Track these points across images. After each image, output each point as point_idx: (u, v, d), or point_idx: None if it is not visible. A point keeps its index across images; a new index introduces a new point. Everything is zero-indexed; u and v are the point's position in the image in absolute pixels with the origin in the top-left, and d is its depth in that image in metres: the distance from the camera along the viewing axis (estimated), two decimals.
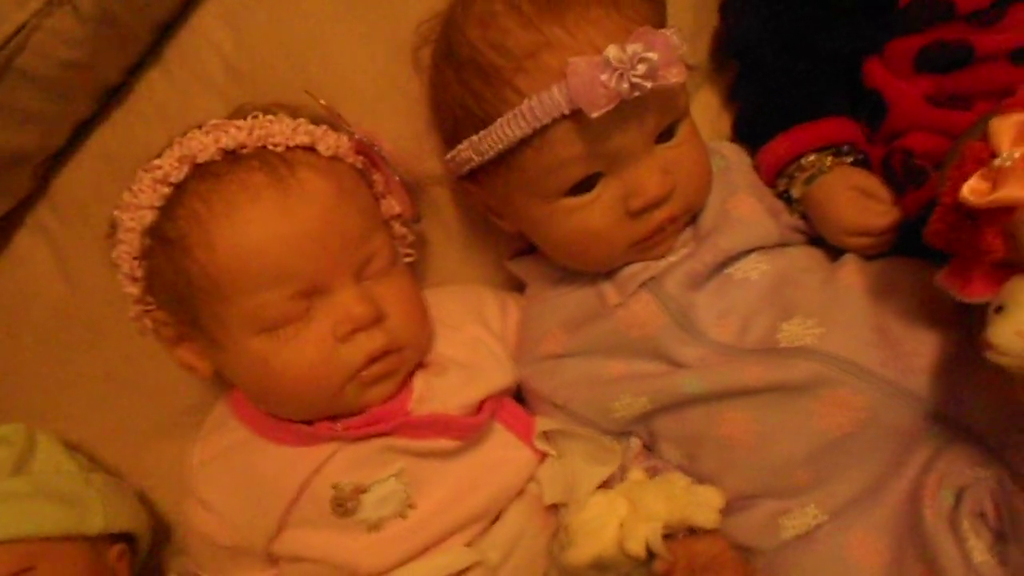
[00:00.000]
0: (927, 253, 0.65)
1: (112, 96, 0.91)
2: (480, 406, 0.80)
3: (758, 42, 0.86)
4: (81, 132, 0.91)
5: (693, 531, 0.75)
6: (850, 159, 0.80)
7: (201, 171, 0.73)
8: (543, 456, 0.82)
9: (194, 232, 0.71)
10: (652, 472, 0.79)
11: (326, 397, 0.75)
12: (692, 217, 0.81)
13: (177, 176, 0.73)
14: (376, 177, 0.83)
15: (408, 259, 0.87)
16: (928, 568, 0.69)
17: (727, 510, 0.75)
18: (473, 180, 0.82)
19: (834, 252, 0.82)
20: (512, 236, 0.88)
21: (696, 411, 0.76)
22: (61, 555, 0.82)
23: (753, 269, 0.79)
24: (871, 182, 0.78)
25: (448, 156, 0.81)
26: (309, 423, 0.77)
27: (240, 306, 0.72)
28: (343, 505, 0.75)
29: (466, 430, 0.78)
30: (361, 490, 0.75)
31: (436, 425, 0.77)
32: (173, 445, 0.93)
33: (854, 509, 0.73)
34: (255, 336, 0.73)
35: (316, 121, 0.78)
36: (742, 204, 0.80)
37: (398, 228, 0.85)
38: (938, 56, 0.76)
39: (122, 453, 0.97)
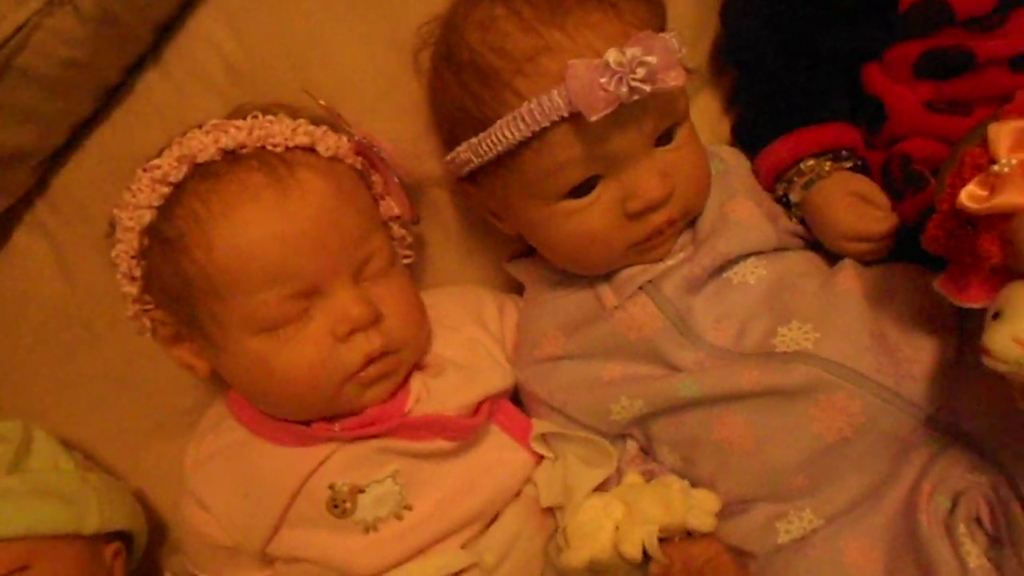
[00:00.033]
0: (925, 259, 0.66)
1: (111, 96, 0.91)
2: (477, 407, 0.80)
3: (758, 43, 0.86)
4: (81, 132, 0.91)
5: (689, 534, 0.75)
6: (849, 164, 0.81)
7: (200, 171, 0.73)
8: (540, 458, 0.82)
9: (193, 232, 0.71)
10: (648, 475, 0.79)
11: (324, 398, 0.75)
12: (690, 220, 0.81)
13: (176, 176, 0.73)
14: (375, 178, 0.83)
15: (407, 260, 0.86)
16: (924, 573, 0.69)
17: (723, 514, 0.75)
18: (472, 182, 0.82)
19: (832, 257, 0.82)
20: (511, 238, 0.88)
21: (693, 415, 0.76)
22: (57, 554, 0.81)
23: (751, 273, 0.79)
24: (870, 187, 0.79)
25: (447, 158, 0.81)
26: (306, 423, 0.77)
27: (238, 306, 0.72)
28: (340, 505, 0.75)
29: (463, 431, 0.78)
30: (358, 491, 0.75)
31: (433, 426, 0.77)
32: (171, 445, 0.92)
33: (850, 514, 0.74)
34: (253, 336, 0.73)
35: (316, 121, 0.78)
36: (740, 208, 0.80)
37: (397, 229, 0.85)
38: (938, 62, 0.77)
39: (120, 452, 0.97)
